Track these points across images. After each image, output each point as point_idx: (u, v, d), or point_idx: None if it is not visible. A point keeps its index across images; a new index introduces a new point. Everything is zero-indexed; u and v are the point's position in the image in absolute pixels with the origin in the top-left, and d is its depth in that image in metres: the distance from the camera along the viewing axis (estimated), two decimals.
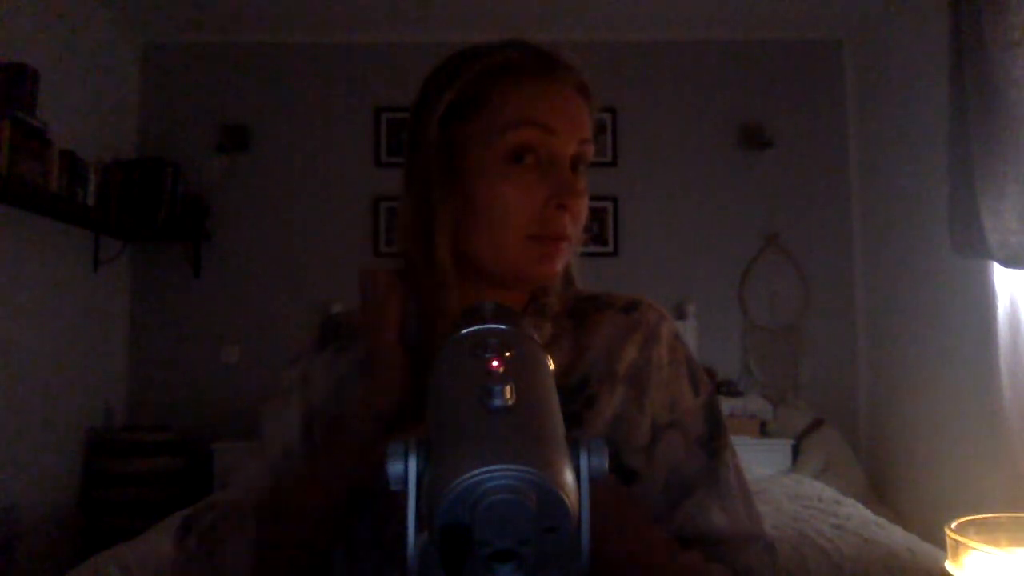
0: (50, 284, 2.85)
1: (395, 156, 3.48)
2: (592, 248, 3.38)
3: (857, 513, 2.25)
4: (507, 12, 3.29)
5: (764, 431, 3.16)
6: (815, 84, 3.56)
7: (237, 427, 3.14)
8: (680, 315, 3.34)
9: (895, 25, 3.11)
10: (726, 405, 3.09)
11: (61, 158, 2.66)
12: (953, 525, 1.68)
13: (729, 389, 3.26)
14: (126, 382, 3.40)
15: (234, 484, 0.78)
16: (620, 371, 0.73)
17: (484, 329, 0.44)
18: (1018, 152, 1.85)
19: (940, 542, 1.76)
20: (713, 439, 0.74)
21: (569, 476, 0.35)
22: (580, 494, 0.36)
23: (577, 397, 0.72)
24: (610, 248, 3.47)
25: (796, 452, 3.10)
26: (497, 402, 0.36)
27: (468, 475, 0.33)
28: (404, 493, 0.37)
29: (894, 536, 2.01)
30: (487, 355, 0.41)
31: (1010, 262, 1.94)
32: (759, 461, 2.97)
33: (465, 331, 0.44)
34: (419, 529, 0.37)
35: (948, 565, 1.67)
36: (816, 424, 3.16)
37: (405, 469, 0.37)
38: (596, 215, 3.42)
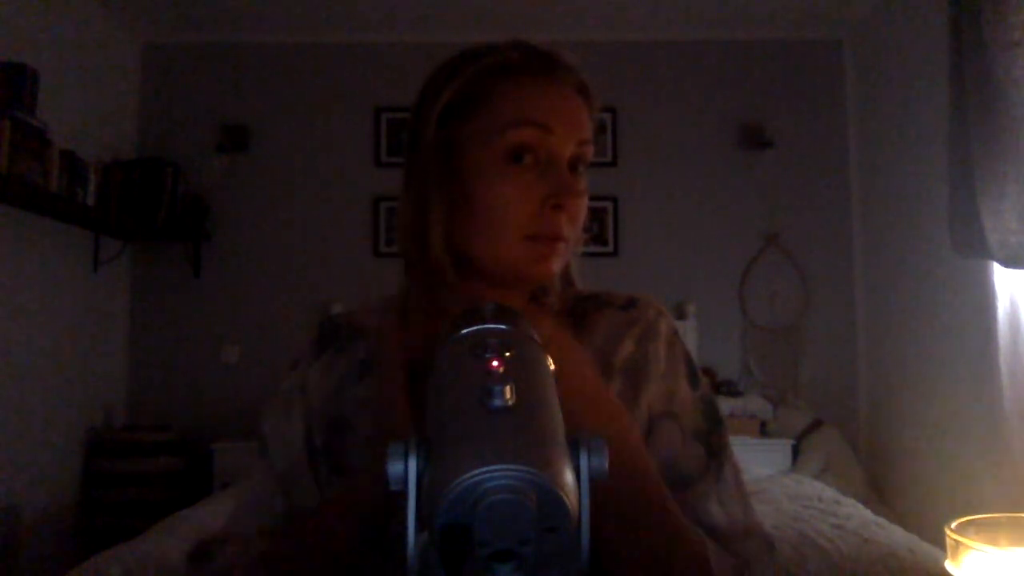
0: (50, 284, 2.85)
1: (395, 156, 3.48)
2: (592, 248, 3.38)
3: (857, 513, 2.25)
4: (507, 12, 3.29)
5: (764, 431, 3.16)
6: (815, 84, 3.56)
7: (237, 427, 3.14)
8: (680, 315, 3.34)
9: (895, 25, 3.11)
10: (726, 405, 3.09)
11: (61, 158, 2.66)
12: (953, 525, 1.68)
13: (729, 389, 3.26)
14: (126, 382, 3.40)
15: (244, 505, 0.77)
16: (616, 364, 0.74)
17: (484, 329, 0.44)
18: (1018, 152, 1.85)
19: (940, 542, 1.76)
20: (711, 434, 0.74)
21: (569, 476, 0.35)
22: (580, 494, 0.36)
23: None
24: (610, 248, 3.47)
25: (796, 452, 3.10)
26: (497, 402, 0.36)
27: (468, 475, 0.33)
28: (404, 493, 0.37)
29: (894, 536, 2.01)
30: (487, 355, 0.41)
31: (1010, 262, 1.94)
32: (759, 461, 2.97)
33: (465, 331, 0.45)
34: (419, 529, 0.37)
35: (948, 565, 1.67)
36: (816, 424, 3.17)
37: (405, 469, 0.37)
38: (596, 215, 3.42)
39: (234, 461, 3.00)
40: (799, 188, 3.50)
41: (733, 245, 3.48)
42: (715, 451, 0.73)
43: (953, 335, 2.60)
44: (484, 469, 0.33)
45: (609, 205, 3.46)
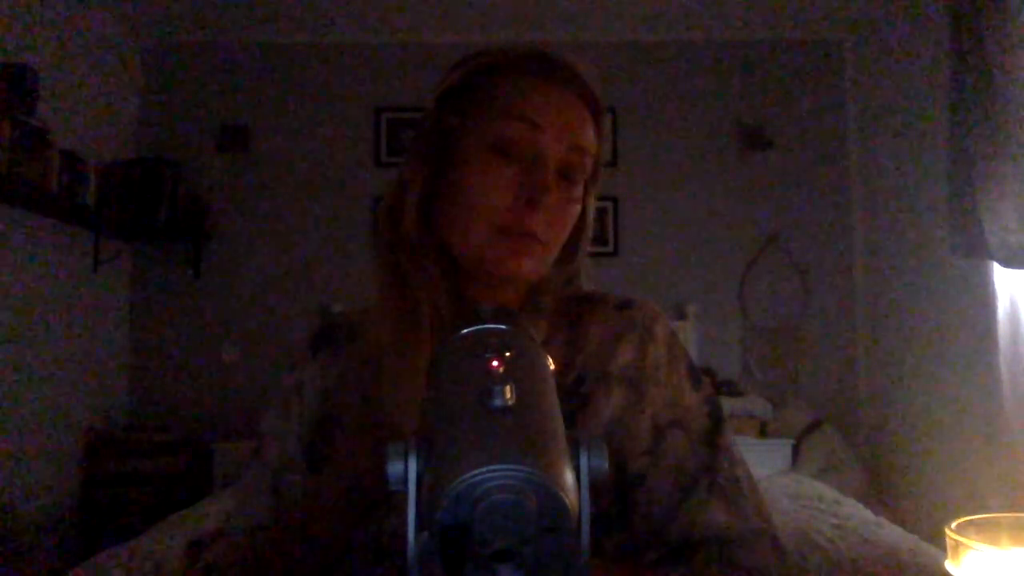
0: (50, 284, 2.84)
1: (395, 156, 3.48)
2: (592, 248, 3.36)
3: (857, 513, 2.25)
4: (507, 12, 3.29)
5: (764, 431, 3.16)
6: (815, 84, 3.56)
7: (237, 427, 3.14)
8: (680, 316, 3.34)
9: (895, 25, 3.11)
10: (726, 405, 3.09)
11: (61, 158, 2.66)
12: (953, 525, 1.68)
13: (729, 389, 3.26)
14: (126, 382, 3.40)
15: (236, 504, 0.77)
16: (615, 372, 0.73)
17: (484, 329, 0.44)
18: (1018, 152, 1.85)
19: (940, 542, 1.76)
20: (715, 433, 0.73)
21: (569, 476, 0.35)
22: (580, 494, 0.36)
23: (571, 397, 0.71)
24: (610, 248, 3.47)
25: (796, 452, 3.09)
26: (497, 402, 0.36)
27: (468, 475, 0.33)
28: (404, 493, 0.37)
29: (894, 536, 2.01)
30: (487, 355, 0.41)
31: (1010, 262, 1.94)
32: (759, 461, 2.96)
33: (465, 331, 0.45)
34: (419, 529, 0.37)
35: (948, 565, 1.67)
36: (816, 424, 3.16)
37: (405, 469, 0.37)
38: (596, 215, 3.41)
39: (234, 461, 3.00)
40: (799, 188, 3.50)
41: (733, 245, 3.48)
42: (719, 449, 0.72)
43: (953, 335, 2.60)
44: (484, 469, 0.33)
45: (609, 205, 3.46)
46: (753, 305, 3.45)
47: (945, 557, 1.70)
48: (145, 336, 3.44)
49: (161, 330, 3.44)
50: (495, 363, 0.40)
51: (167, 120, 3.54)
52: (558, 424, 0.39)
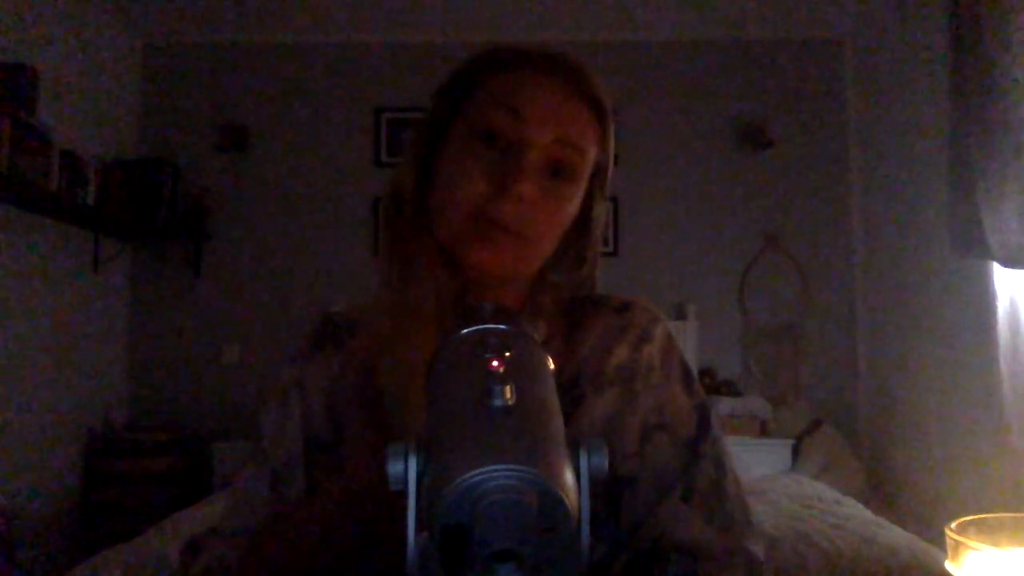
0: (50, 284, 2.84)
1: (395, 156, 3.48)
2: None
3: (857, 513, 2.25)
4: (508, 12, 3.30)
5: (764, 431, 3.16)
6: (815, 84, 3.55)
7: (237, 427, 3.14)
8: (680, 315, 3.34)
9: (895, 25, 3.11)
10: (726, 405, 3.09)
11: (61, 158, 2.66)
12: (953, 525, 1.68)
13: (729, 389, 3.26)
14: (126, 382, 3.40)
15: (234, 501, 0.76)
16: (609, 372, 0.73)
17: (484, 329, 0.44)
18: (1018, 152, 1.85)
19: (940, 542, 1.76)
20: (700, 441, 0.72)
21: (569, 476, 0.35)
22: (580, 494, 0.36)
23: (566, 397, 0.70)
24: (610, 248, 3.47)
25: (796, 452, 3.09)
26: (497, 402, 0.36)
27: (468, 475, 0.33)
28: (404, 493, 0.37)
29: (894, 536, 2.01)
30: (487, 355, 0.40)
31: (1010, 262, 1.94)
32: (759, 461, 2.97)
33: (465, 331, 0.44)
34: (419, 529, 0.37)
35: (948, 565, 1.67)
36: (816, 424, 3.16)
37: (405, 469, 0.37)
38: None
39: (234, 461, 3.00)
40: (799, 188, 3.50)
41: (733, 245, 3.48)
42: (706, 460, 0.70)
43: (953, 335, 2.60)
44: (484, 469, 0.33)
45: (609, 205, 3.43)
46: (753, 305, 3.45)
47: (945, 557, 1.70)
48: (145, 336, 3.44)
49: (161, 330, 3.44)
50: (495, 363, 0.40)
51: (167, 120, 3.54)
52: (558, 424, 0.39)
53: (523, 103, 0.69)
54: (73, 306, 3.00)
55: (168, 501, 2.85)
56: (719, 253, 3.48)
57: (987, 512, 1.76)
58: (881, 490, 3.10)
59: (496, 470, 0.33)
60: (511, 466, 0.33)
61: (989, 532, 1.67)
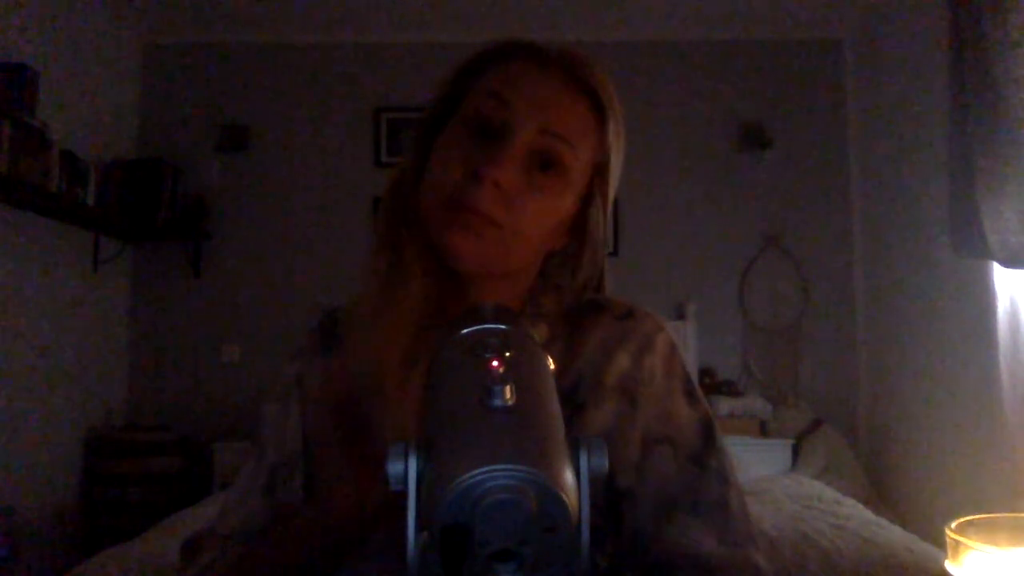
0: (50, 284, 2.84)
1: (395, 156, 3.48)
2: None
3: (857, 513, 2.25)
4: (507, 12, 3.30)
5: (764, 431, 3.16)
6: (815, 84, 3.55)
7: (237, 427, 3.14)
8: (680, 315, 3.34)
9: (895, 24, 3.11)
10: (726, 405, 3.09)
11: (61, 158, 2.66)
12: (953, 525, 1.68)
13: (729, 389, 3.26)
14: (126, 382, 3.40)
15: (231, 501, 0.76)
16: (610, 382, 0.71)
17: (484, 329, 0.44)
18: (1018, 152, 1.85)
19: (940, 542, 1.76)
20: (705, 454, 0.70)
21: (569, 476, 0.35)
22: (580, 494, 0.36)
23: (566, 404, 0.68)
24: (610, 248, 3.45)
25: (796, 452, 3.09)
26: (497, 402, 0.36)
27: (468, 475, 0.33)
28: (404, 493, 0.37)
29: (894, 536, 2.01)
30: (487, 355, 0.40)
31: (1010, 262, 1.94)
32: (759, 461, 2.97)
33: (465, 331, 0.44)
34: (419, 529, 0.37)
35: (948, 565, 1.67)
36: (816, 424, 3.16)
37: (405, 469, 0.37)
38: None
39: (234, 461, 3.00)
40: (799, 188, 3.50)
41: (733, 245, 3.48)
42: (711, 474, 0.69)
43: (953, 335, 2.60)
44: (484, 469, 0.33)
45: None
46: (753, 305, 3.45)
47: (945, 557, 1.70)
48: (145, 336, 3.44)
49: (161, 330, 3.44)
50: (495, 363, 0.40)
51: (167, 120, 3.54)
52: (558, 424, 0.39)
53: (511, 91, 0.68)
54: (73, 306, 3.00)
55: (168, 501, 2.85)
56: (719, 253, 3.48)
57: (987, 512, 1.76)
58: (881, 490, 3.10)
59: (496, 470, 0.33)
60: (511, 466, 0.33)
61: (989, 532, 1.67)
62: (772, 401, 3.23)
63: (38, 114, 2.52)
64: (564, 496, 0.33)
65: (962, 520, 1.70)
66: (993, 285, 2.18)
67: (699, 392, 0.74)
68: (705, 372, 3.35)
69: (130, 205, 3.16)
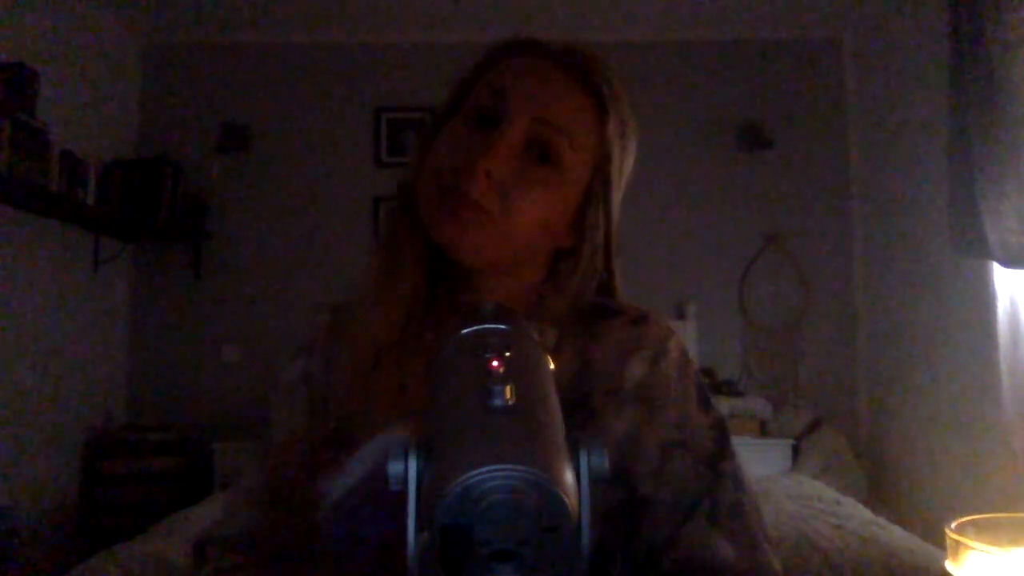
0: (50, 284, 2.85)
1: (395, 156, 3.48)
2: None
3: (857, 513, 2.25)
4: (508, 12, 3.30)
5: (764, 431, 3.16)
6: (815, 84, 3.55)
7: (237, 427, 3.13)
8: (680, 315, 3.34)
9: (895, 24, 3.11)
10: (726, 405, 3.09)
11: (61, 158, 2.66)
12: (953, 525, 1.68)
13: (729, 389, 3.26)
14: (126, 382, 3.40)
15: (236, 504, 0.76)
16: (627, 388, 0.70)
17: (484, 329, 0.44)
18: (1018, 152, 1.85)
19: (940, 542, 1.76)
20: (720, 458, 0.69)
21: (569, 476, 0.35)
22: (580, 494, 0.36)
23: (578, 410, 0.68)
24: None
25: (796, 452, 3.09)
26: (497, 402, 0.36)
27: (468, 475, 0.33)
28: (404, 493, 0.37)
29: (894, 536, 2.01)
30: (487, 355, 0.40)
31: (1010, 262, 1.94)
32: (759, 461, 2.97)
33: (465, 331, 0.44)
34: (419, 529, 0.37)
35: (948, 565, 1.67)
36: (816, 424, 3.16)
37: (405, 469, 0.37)
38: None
39: (234, 461, 3.00)
40: (799, 188, 3.50)
41: (733, 245, 3.48)
42: (726, 478, 0.69)
43: (953, 335, 2.60)
44: (484, 469, 0.33)
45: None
46: (753, 305, 3.45)
47: (945, 557, 1.70)
48: (145, 336, 3.44)
49: (161, 330, 3.44)
50: (495, 363, 0.40)
51: (167, 120, 3.54)
52: (558, 424, 0.39)
53: (510, 83, 0.69)
54: (73, 306, 3.00)
55: (168, 501, 2.85)
56: (719, 253, 3.48)
57: (987, 512, 1.76)
58: (881, 490, 3.10)
59: (496, 470, 0.33)
60: (511, 466, 0.33)
61: (989, 532, 1.67)
62: (772, 401, 3.23)
63: (38, 114, 2.52)
64: (564, 496, 0.33)
65: (962, 520, 1.70)
66: (993, 285, 2.18)
67: (711, 397, 0.74)
68: (705, 372, 3.35)
69: (130, 205, 3.16)
